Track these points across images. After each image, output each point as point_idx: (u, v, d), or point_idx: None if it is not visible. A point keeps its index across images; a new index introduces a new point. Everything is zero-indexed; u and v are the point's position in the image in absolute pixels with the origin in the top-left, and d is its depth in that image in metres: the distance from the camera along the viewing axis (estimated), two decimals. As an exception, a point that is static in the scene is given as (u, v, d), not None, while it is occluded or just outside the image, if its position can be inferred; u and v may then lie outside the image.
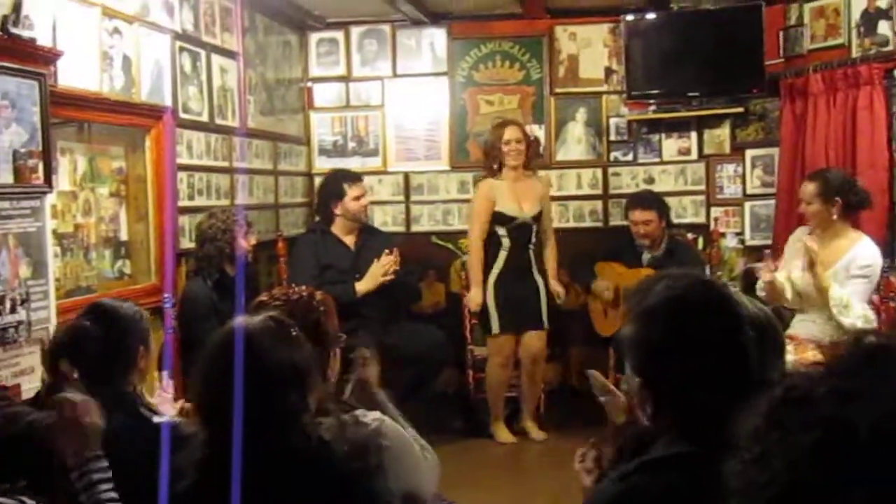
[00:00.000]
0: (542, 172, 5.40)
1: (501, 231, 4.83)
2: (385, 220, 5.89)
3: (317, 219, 5.00)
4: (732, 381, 1.31)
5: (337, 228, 4.83)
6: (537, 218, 4.82)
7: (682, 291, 1.41)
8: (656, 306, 1.41)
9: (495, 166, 4.84)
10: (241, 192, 4.77)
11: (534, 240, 4.86)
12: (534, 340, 4.87)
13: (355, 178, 4.83)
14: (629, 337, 1.45)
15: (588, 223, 5.86)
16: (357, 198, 4.75)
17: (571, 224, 5.84)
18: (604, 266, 5.08)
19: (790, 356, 3.53)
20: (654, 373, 1.39)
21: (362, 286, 4.61)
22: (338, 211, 4.74)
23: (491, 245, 4.89)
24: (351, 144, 5.97)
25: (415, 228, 5.92)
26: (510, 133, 4.84)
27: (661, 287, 1.43)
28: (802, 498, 0.51)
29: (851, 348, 0.57)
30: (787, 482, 0.52)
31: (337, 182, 4.81)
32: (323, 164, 5.83)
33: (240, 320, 1.80)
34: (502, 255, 4.85)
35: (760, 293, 3.99)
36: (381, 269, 4.60)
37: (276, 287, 2.82)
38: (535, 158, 4.90)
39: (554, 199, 5.59)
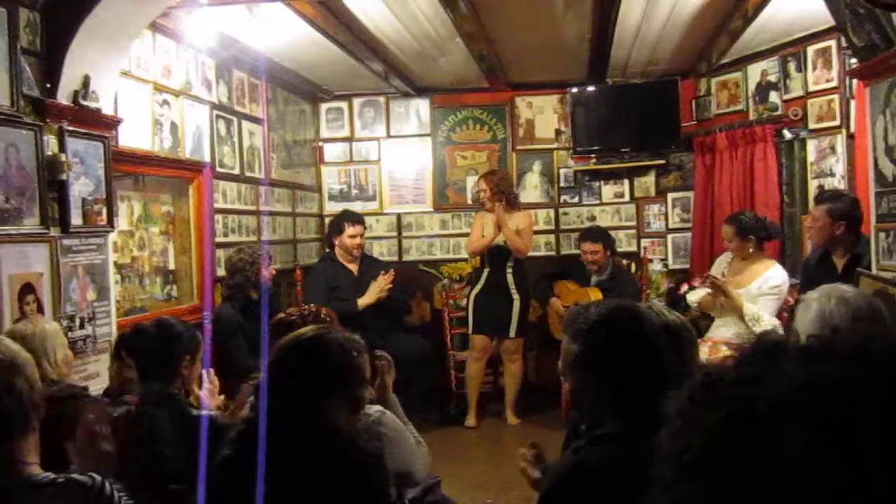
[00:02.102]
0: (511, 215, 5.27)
1: (484, 254, 4.81)
2: (381, 251, 5.84)
3: (327, 250, 4.96)
4: (649, 376, 1.36)
5: (341, 257, 4.78)
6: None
7: (604, 315, 1.46)
8: (586, 327, 1.46)
9: (482, 203, 4.94)
10: (265, 231, 4.75)
11: (510, 263, 4.76)
12: (509, 345, 4.83)
13: (357, 219, 4.79)
14: (566, 350, 1.51)
15: (543, 252, 5.83)
16: (353, 236, 4.69)
17: (531, 253, 5.60)
18: (560, 284, 5.03)
19: (706, 355, 3.56)
20: (589, 376, 1.44)
21: (363, 300, 4.57)
22: (336, 242, 4.70)
23: (480, 265, 4.92)
24: (354, 191, 5.94)
25: (405, 258, 5.88)
26: (480, 183, 4.95)
27: (590, 312, 1.49)
28: (712, 462, 0.53)
29: (755, 346, 0.60)
30: (701, 448, 0.54)
31: (340, 220, 4.78)
32: (332, 208, 5.81)
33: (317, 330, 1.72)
34: (484, 274, 4.85)
35: (693, 304, 4.01)
36: (377, 287, 4.58)
37: (293, 307, 2.79)
38: (512, 200, 4.89)
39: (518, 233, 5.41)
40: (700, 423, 0.56)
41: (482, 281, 4.83)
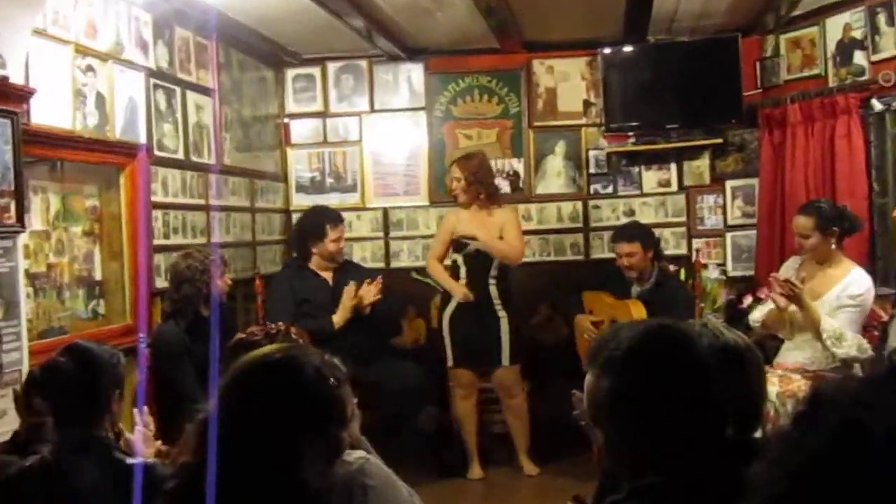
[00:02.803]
0: (523, 206, 5.64)
1: (458, 259, 4.81)
2: (364, 255, 5.88)
3: (294, 254, 5.00)
4: (703, 416, 1.36)
5: (314, 264, 4.85)
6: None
7: (642, 339, 1.46)
8: (620, 355, 1.45)
9: (462, 198, 4.94)
10: (217, 231, 4.75)
11: (493, 272, 4.80)
12: (503, 376, 4.82)
13: (337, 218, 4.85)
14: (594, 388, 1.49)
15: (569, 256, 5.87)
16: (336, 239, 4.78)
17: (553, 257, 5.87)
18: (592, 296, 5.02)
19: (776, 386, 3.58)
20: (625, 418, 1.44)
21: (339, 317, 4.61)
22: (315, 250, 4.76)
23: (451, 277, 4.89)
24: (329, 180, 5.97)
25: (394, 264, 5.90)
26: (453, 170, 4.94)
27: (622, 336, 1.47)
28: (812, 494, 0.55)
29: (885, 366, 0.62)
30: (799, 478, 0.56)
31: (319, 222, 4.81)
32: (301, 201, 5.85)
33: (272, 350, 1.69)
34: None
35: (755, 324, 4.06)
36: (356, 295, 4.61)
37: (252, 325, 2.86)
38: (492, 193, 4.91)
39: (534, 232, 5.75)
40: (800, 447, 0.59)
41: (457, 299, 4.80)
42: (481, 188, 4.81)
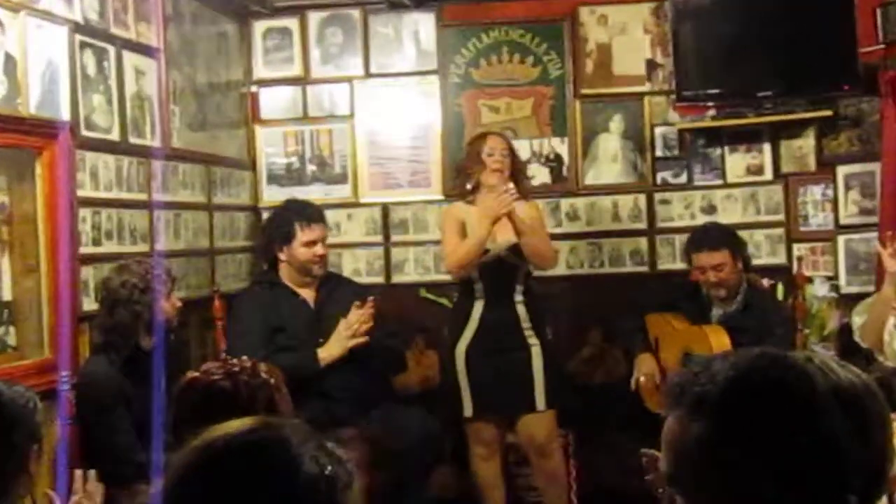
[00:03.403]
0: (568, 201, 5.77)
1: (473, 273, 4.78)
2: (357, 267, 5.90)
3: (265, 267, 5.01)
4: (822, 476, 1.36)
5: (289, 278, 4.84)
6: (519, 252, 4.76)
7: (744, 374, 1.44)
8: (715, 395, 1.43)
9: (469, 186, 4.85)
10: (163, 236, 4.80)
11: (520, 287, 4.83)
12: (534, 426, 4.85)
13: (311, 215, 4.84)
14: (675, 436, 1.47)
15: (629, 267, 5.88)
16: (310, 243, 4.75)
17: (606, 269, 5.86)
18: (658, 321, 5.06)
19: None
20: (720, 478, 1.42)
21: (326, 352, 4.61)
22: (283, 258, 4.76)
23: (462, 297, 4.92)
24: (310, 168, 6.00)
25: (397, 278, 5.93)
26: (494, 142, 4.88)
27: (716, 370, 1.46)
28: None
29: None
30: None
31: (285, 220, 4.83)
32: (274, 196, 5.86)
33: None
34: (476, 309, 4.86)
35: (880, 356, 4.03)
36: (350, 327, 4.60)
37: (209, 361, 2.88)
38: (526, 184, 4.99)
39: (582, 236, 5.81)
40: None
41: (473, 322, 4.86)
42: (519, 175, 4.92)
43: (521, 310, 4.84)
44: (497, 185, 4.70)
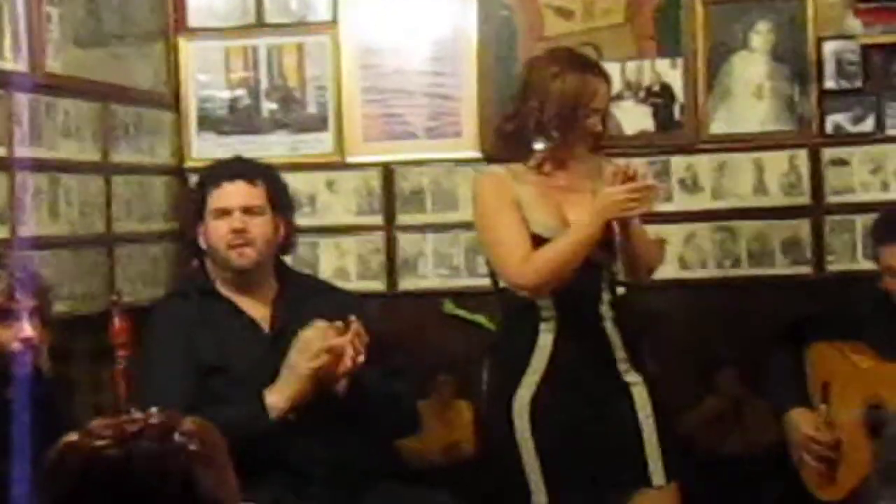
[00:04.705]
0: (683, 160, 5.09)
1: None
2: (342, 264, 5.39)
3: (194, 262, 4.37)
4: None
5: (225, 284, 4.18)
6: (609, 244, 4.20)
7: None
8: None
9: (540, 145, 4.13)
10: (31, 213, 4.31)
11: (606, 297, 4.20)
12: None
13: (224, 170, 4.24)
14: None
15: (781, 268, 5.17)
16: (220, 212, 4.12)
17: (744, 270, 5.19)
18: (829, 352, 4.39)
19: None
20: None
21: (277, 394, 3.93)
22: (202, 243, 4.19)
23: (516, 320, 4.31)
24: (268, 107, 5.41)
25: (406, 283, 5.38)
26: (599, 85, 4.19)
27: None
28: None
29: None
30: None
31: (201, 184, 4.29)
32: (209, 150, 5.32)
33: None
34: (544, 336, 4.15)
35: None
36: (302, 352, 3.90)
37: (103, 416, 2.19)
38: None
39: (704, 216, 5.22)
40: None
41: (540, 356, 4.16)
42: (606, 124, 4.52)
43: (611, 332, 4.16)
44: (596, 160, 4.23)
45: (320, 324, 4.08)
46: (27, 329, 3.46)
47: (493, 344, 4.67)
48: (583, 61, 4.40)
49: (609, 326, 4.24)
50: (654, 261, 4.49)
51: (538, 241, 4.19)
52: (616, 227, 4.24)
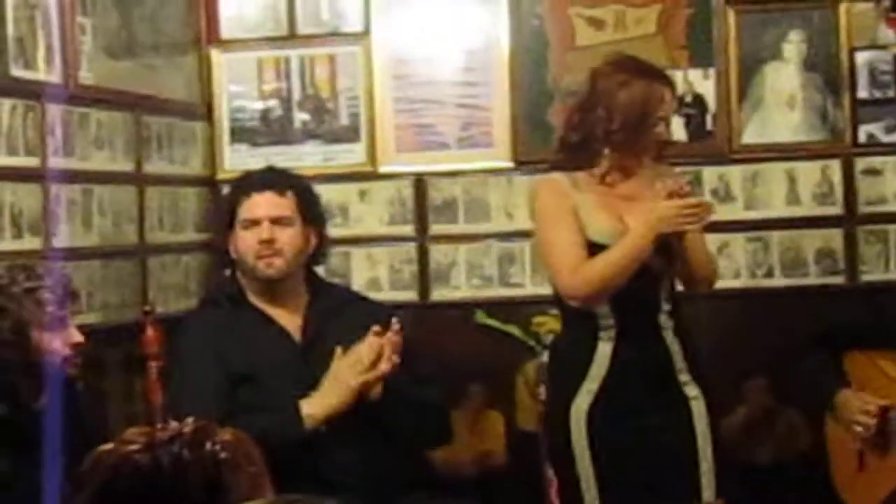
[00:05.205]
0: (715, 170, 5.15)
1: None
2: (375, 275, 5.45)
3: (226, 271, 4.44)
4: None
5: (256, 294, 4.21)
6: (668, 253, 4.19)
7: None
8: None
9: (606, 154, 4.11)
10: (63, 224, 4.34)
11: (666, 307, 4.20)
12: None
13: (255, 181, 4.25)
14: None
15: (813, 278, 5.24)
16: (249, 223, 4.13)
17: (776, 280, 5.26)
18: (861, 362, 4.45)
19: None
20: None
21: (316, 406, 3.96)
22: (232, 253, 4.25)
23: (575, 329, 4.33)
24: (300, 117, 5.46)
25: (438, 294, 5.46)
26: (666, 92, 4.21)
27: None
28: None
29: None
30: None
31: (231, 194, 4.33)
32: (241, 161, 5.33)
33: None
34: (604, 346, 4.16)
35: None
36: (357, 363, 3.96)
37: (136, 427, 2.12)
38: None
39: (737, 226, 5.23)
40: None
41: (599, 366, 4.18)
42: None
43: (670, 342, 4.17)
44: (659, 168, 4.23)
45: (374, 340, 4.06)
46: (77, 335, 3.55)
47: (552, 351, 4.64)
48: (649, 69, 4.41)
49: (669, 336, 4.22)
50: (712, 274, 4.45)
51: (596, 248, 4.16)
52: (673, 239, 4.28)
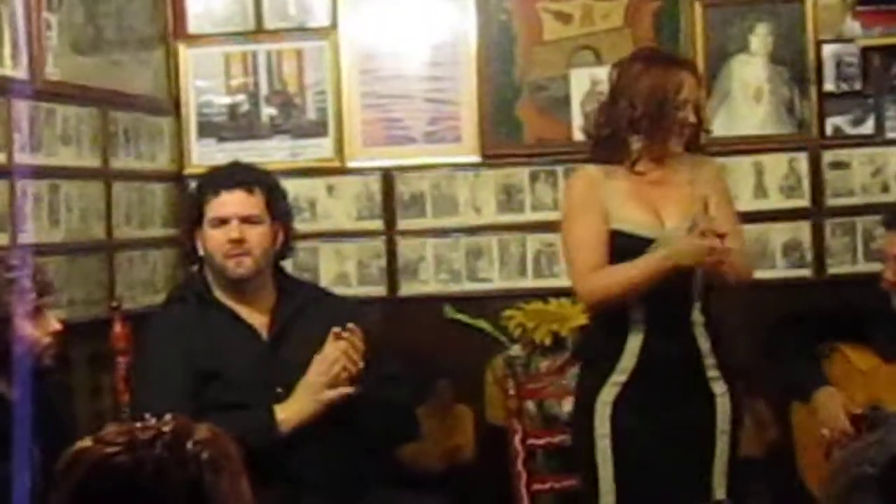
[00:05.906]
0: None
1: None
2: (343, 270, 5.44)
3: (193, 267, 4.41)
4: None
5: (223, 291, 4.19)
6: None
7: None
8: (869, 479, 1.47)
9: (636, 144, 4.05)
10: (30, 221, 4.34)
11: (698, 304, 4.20)
12: None
13: (222, 178, 4.20)
14: None
15: (783, 270, 5.28)
16: (217, 222, 4.11)
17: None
18: (832, 355, 4.50)
19: None
20: None
21: (290, 411, 3.98)
22: (200, 249, 4.23)
23: (605, 324, 4.33)
24: (267, 112, 5.47)
25: (407, 289, 5.45)
26: (689, 79, 4.21)
27: (891, 441, 1.52)
28: None
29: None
30: None
31: (198, 191, 4.30)
32: (209, 156, 5.35)
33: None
34: (634, 340, 4.15)
35: None
36: (327, 370, 3.96)
37: (113, 424, 2.17)
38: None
39: None
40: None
41: (628, 359, 4.13)
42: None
43: (701, 339, 4.15)
44: (695, 158, 4.29)
45: (335, 345, 4.03)
46: (55, 323, 3.55)
47: (583, 343, 4.72)
48: (666, 56, 4.47)
49: (699, 332, 4.20)
50: (743, 274, 4.36)
51: (621, 237, 4.14)
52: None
